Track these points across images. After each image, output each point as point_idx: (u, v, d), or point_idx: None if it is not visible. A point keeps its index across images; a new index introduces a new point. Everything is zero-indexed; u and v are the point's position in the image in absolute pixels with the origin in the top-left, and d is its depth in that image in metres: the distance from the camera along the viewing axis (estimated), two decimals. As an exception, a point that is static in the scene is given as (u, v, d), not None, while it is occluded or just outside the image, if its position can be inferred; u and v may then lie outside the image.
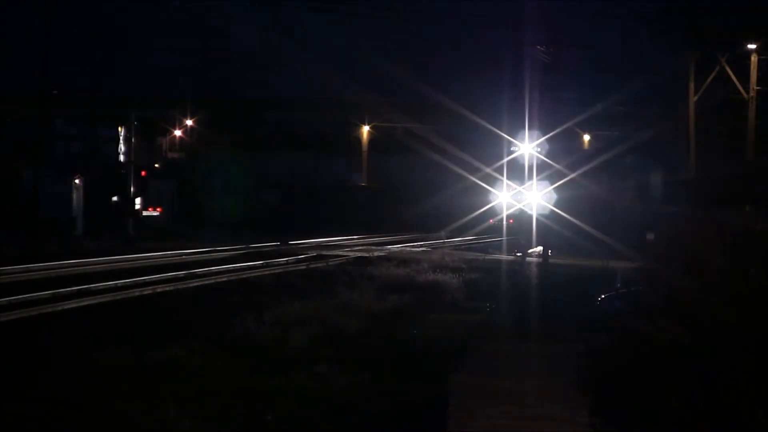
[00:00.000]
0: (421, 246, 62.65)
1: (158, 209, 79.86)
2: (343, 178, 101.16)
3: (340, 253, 54.56)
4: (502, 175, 44.64)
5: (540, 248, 42.71)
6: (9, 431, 16.89)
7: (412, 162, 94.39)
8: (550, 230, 40.53)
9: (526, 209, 40.78)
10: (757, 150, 57.54)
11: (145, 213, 73.69)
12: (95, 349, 22.89)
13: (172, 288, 36.44)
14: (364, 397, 19.29)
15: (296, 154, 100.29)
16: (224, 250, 54.21)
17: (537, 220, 40.18)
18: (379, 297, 33.24)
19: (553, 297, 33.27)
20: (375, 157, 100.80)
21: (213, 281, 39.59)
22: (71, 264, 43.77)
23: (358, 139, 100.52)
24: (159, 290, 35.66)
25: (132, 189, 65.09)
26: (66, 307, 30.65)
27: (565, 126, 42.33)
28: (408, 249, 59.20)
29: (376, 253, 53.51)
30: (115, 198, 69.28)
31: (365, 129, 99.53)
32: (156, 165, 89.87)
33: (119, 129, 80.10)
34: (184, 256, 50.59)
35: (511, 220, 44.61)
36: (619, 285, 35.61)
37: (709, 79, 59.13)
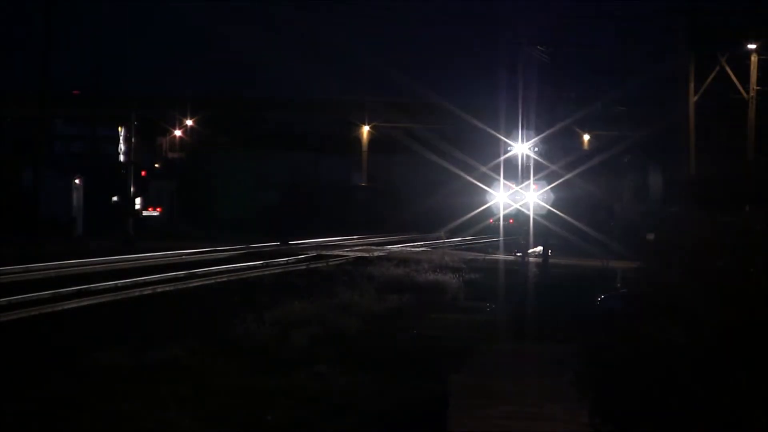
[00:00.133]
0: (421, 246, 62.65)
1: (158, 209, 79.88)
2: (343, 178, 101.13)
3: (340, 253, 54.57)
4: (499, 174, 44.68)
5: (540, 248, 42.74)
6: (9, 431, 16.90)
7: (412, 162, 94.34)
8: (548, 230, 40.53)
9: (523, 209, 40.80)
10: (757, 150, 57.53)
11: (145, 213, 73.70)
12: (95, 349, 22.90)
13: (172, 288, 36.46)
14: (364, 397, 19.29)
15: (296, 154, 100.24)
16: (224, 250, 54.22)
17: (535, 220, 40.19)
18: (379, 297, 33.26)
19: (553, 297, 33.27)
20: (375, 157, 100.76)
21: (213, 281, 39.59)
22: (71, 264, 43.77)
23: (358, 139, 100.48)
24: (159, 290, 35.68)
25: (132, 189, 65.10)
26: (66, 307, 30.66)
27: (559, 126, 42.38)
28: (408, 249, 59.20)
29: (376, 253, 53.52)
30: (115, 198, 69.28)
31: (365, 129, 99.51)
32: (156, 165, 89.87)
33: (119, 129, 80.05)
34: (184, 256, 50.59)
35: (511, 220, 44.59)
36: (618, 285, 35.59)
37: (709, 79, 59.12)
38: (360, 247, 59.99)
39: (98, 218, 69.07)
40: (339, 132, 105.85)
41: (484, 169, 55.97)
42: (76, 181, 70.38)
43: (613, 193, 66.67)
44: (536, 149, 41.95)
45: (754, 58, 58.40)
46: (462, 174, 65.16)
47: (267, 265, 46.66)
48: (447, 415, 17.04)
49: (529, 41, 42.41)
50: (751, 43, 58.38)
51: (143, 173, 68.44)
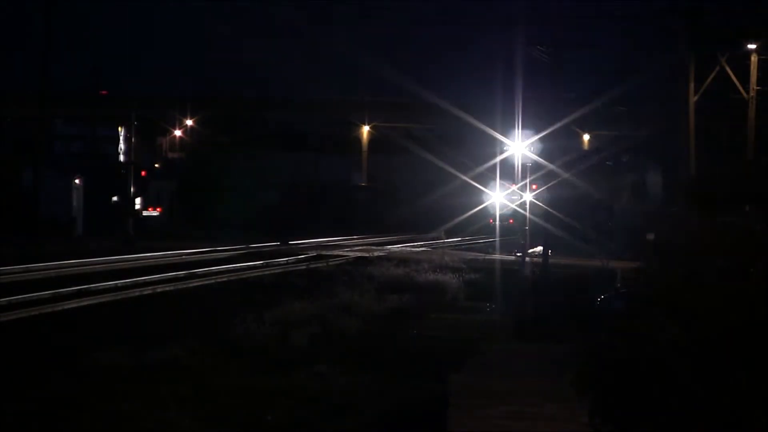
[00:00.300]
0: (421, 246, 62.66)
1: (158, 209, 79.88)
2: (343, 178, 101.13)
3: (340, 253, 54.57)
4: (499, 175, 44.68)
5: (539, 248, 42.72)
6: (10, 431, 16.90)
7: (412, 162, 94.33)
8: (546, 231, 40.52)
9: (520, 209, 40.80)
10: (757, 150, 57.51)
11: (145, 213, 73.71)
12: (95, 349, 22.90)
13: (172, 288, 36.46)
14: (364, 397, 19.29)
15: (296, 154, 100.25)
16: (224, 250, 54.22)
17: (534, 220, 40.19)
18: (379, 297, 33.26)
19: (553, 297, 33.26)
20: (375, 157, 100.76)
21: (213, 281, 39.60)
22: (71, 264, 43.76)
23: (358, 139, 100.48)
24: (159, 290, 35.68)
25: (132, 189, 65.10)
26: (66, 307, 30.67)
27: (558, 125, 42.31)
28: (408, 249, 59.21)
29: (375, 253, 53.53)
30: (115, 198, 69.29)
31: (365, 129, 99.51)
32: (156, 165, 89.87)
33: (119, 129, 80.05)
34: (184, 256, 50.59)
35: (511, 220, 44.62)
36: (618, 285, 35.57)
37: (709, 79, 59.11)
38: (360, 247, 60.00)
39: (98, 218, 69.07)
40: (339, 132, 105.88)
41: (480, 168, 56.01)
42: (76, 181, 70.39)
43: (612, 193, 66.63)
44: (532, 149, 41.90)
45: (754, 58, 58.38)
46: (461, 174, 65.20)
47: (267, 265, 46.66)
48: (447, 415, 17.04)
49: (529, 41, 42.36)
50: (751, 43, 58.36)
51: (143, 173, 68.44)
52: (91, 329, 26.44)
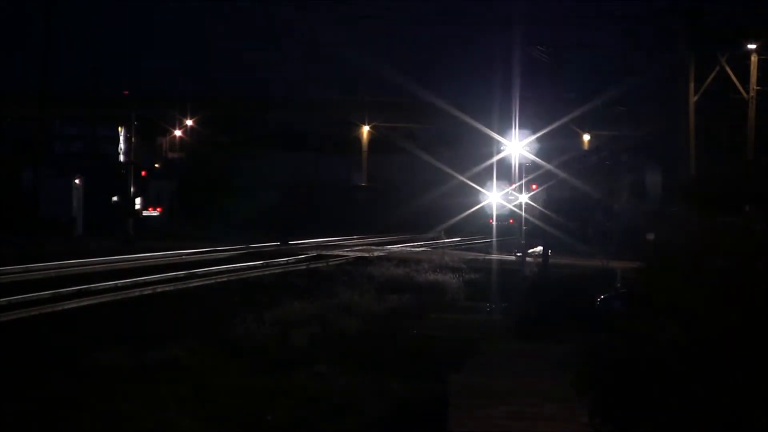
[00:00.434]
0: (421, 246, 62.68)
1: (158, 209, 79.91)
2: (343, 178, 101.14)
3: (340, 253, 54.58)
4: (499, 175, 44.66)
5: (539, 248, 42.72)
6: (10, 431, 16.90)
7: (412, 162, 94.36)
8: (545, 231, 40.52)
9: (516, 210, 40.79)
10: (757, 150, 57.52)
11: (145, 213, 73.73)
12: (95, 349, 22.91)
13: (172, 288, 36.47)
14: (364, 397, 19.28)
15: (296, 154, 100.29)
16: (224, 250, 54.23)
17: (533, 220, 40.19)
18: (380, 297, 33.26)
19: (553, 297, 33.23)
20: (375, 157, 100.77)
21: (213, 281, 39.60)
22: (71, 264, 43.77)
23: (358, 139, 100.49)
24: (159, 290, 35.69)
25: (132, 189, 65.11)
26: (66, 307, 30.67)
27: (556, 125, 42.34)
28: (408, 249, 59.23)
29: (375, 253, 53.54)
30: (115, 198, 69.31)
31: (365, 129, 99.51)
32: (156, 165, 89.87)
33: (119, 129, 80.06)
34: (184, 256, 50.61)
35: (511, 220, 44.65)
36: (618, 285, 35.56)
37: (709, 79, 59.13)
38: (360, 247, 60.01)
39: (98, 218, 69.08)
40: (339, 132, 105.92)
41: (479, 169, 55.98)
42: (76, 181, 70.38)
43: (611, 193, 66.64)
44: (530, 149, 41.89)
45: (754, 58, 58.39)
46: (461, 174, 65.19)
47: (267, 265, 46.67)
48: (447, 415, 17.04)
49: (529, 41, 42.41)
50: (751, 43, 58.37)
51: (143, 173, 68.47)
52: (91, 329, 26.44)
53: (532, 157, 41.97)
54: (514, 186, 41.32)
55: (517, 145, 41.36)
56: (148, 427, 17.06)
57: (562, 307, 30.99)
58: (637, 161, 72.07)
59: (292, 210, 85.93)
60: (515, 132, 41.23)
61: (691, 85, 58.96)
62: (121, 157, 73.99)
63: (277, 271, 44.48)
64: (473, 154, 65.57)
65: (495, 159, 44.57)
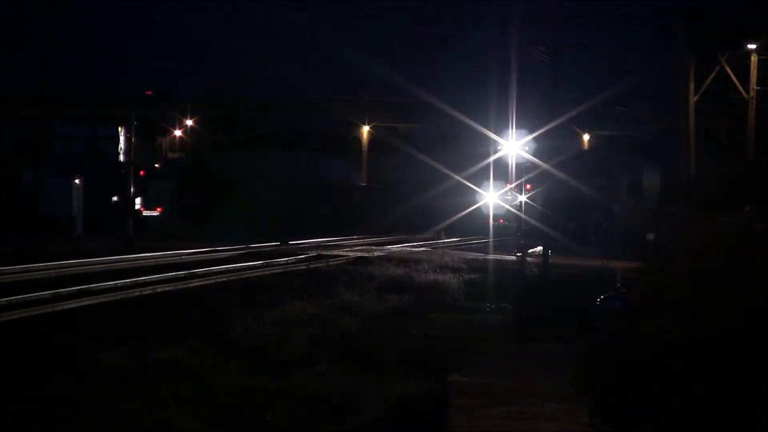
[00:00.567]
0: (421, 246, 62.66)
1: (158, 209, 79.93)
2: (343, 178, 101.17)
3: (340, 253, 54.58)
4: (497, 175, 44.72)
5: (539, 248, 42.73)
6: (9, 431, 16.90)
7: (412, 162, 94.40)
8: (543, 231, 40.56)
9: (516, 210, 40.83)
10: (757, 150, 57.56)
11: (145, 213, 73.76)
12: (95, 349, 22.91)
13: (172, 288, 36.47)
14: (364, 397, 19.28)
15: (296, 154, 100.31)
16: (224, 250, 54.22)
17: (532, 221, 40.23)
18: (380, 297, 33.27)
19: (553, 297, 33.25)
20: (375, 157, 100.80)
21: (213, 281, 39.60)
22: (71, 264, 43.78)
23: (358, 139, 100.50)
24: (159, 290, 35.69)
25: (132, 189, 65.11)
26: (66, 307, 30.67)
27: (554, 124, 42.29)
28: (408, 249, 59.22)
29: (375, 253, 53.53)
30: (115, 198, 69.34)
31: (365, 129, 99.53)
32: (156, 165, 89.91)
33: (119, 129, 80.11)
34: (184, 256, 50.61)
35: (501, 220, 44.76)
36: (618, 285, 35.57)
37: (709, 79, 59.16)
38: (360, 247, 60.02)
39: (98, 218, 69.10)
40: (339, 132, 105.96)
41: (476, 169, 56.03)
42: (76, 181, 70.39)
43: (611, 193, 66.64)
44: (529, 149, 41.93)
45: (754, 58, 58.43)
46: (462, 174, 65.20)
47: (267, 265, 46.67)
48: (447, 415, 17.03)
49: (529, 41, 42.37)
50: (751, 43, 58.41)
51: (143, 173, 68.48)
52: (91, 329, 26.44)
53: (531, 158, 42.00)
54: (512, 186, 41.35)
55: (514, 145, 41.39)
56: (148, 427, 17.06)
57: (562, 307, 31.00)
58: (637, 161, 72.08)
59: (292, 210, 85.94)
60: (511, 132, 41.26)
61: (691, 85, 59.00)
62: (121, 157, 74.02)
63: (277, 271, 44.48)
64: (472, 154, 65.58)
65: (491, 159, 44.64)
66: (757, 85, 58.20)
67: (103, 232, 64.17)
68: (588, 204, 59.94)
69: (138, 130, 69.96)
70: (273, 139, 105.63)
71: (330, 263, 47.77)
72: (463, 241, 68.36)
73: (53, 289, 33.15)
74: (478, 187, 55.59)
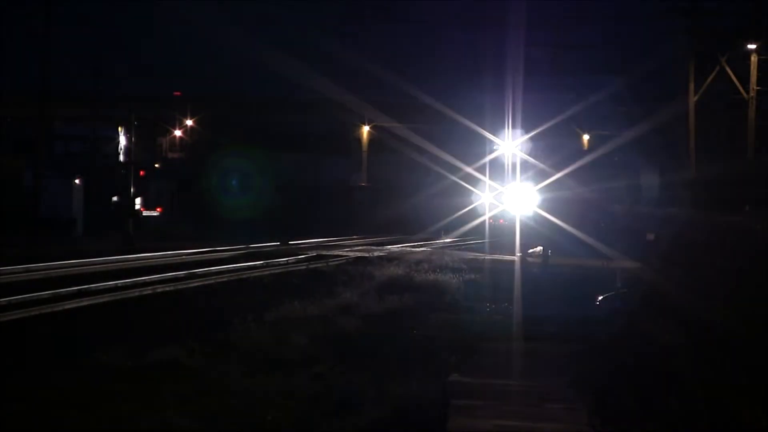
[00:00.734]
0: (421, 246, 62.67)
1: (158, 209, 79.96)
2: (343, 178, 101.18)
3: (340, 253, 54.59)
4: (496, 175, 44.76)
5: (540, 248, 42.76)
6: (9, 431, 16.90)
7: (412, 162, 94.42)
8: (542, 232, 40.60)
9: (514, 210, 40.86)
10: (757, 150, 57.57)
11: (145, 213, 73.78)
12: (95, 349, 22.89)
13: (172, 288, 36.46)
14: (364, 398, 19.27)
15: (296, 154, 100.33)
16: (224, 250, 54.24)
17: (531, 221, 40.27)
18: (380, 297, 33.25)
19: (554, 297, 33.27)
20: (375, 157, 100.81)
21: (213, 281, 39.59)
22: (71, 264, 43.78)
23: (358, 139, 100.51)
24: (159, 290, 35.68)
25: (132, 189, 65.14)
26: (66, 307, 30.66)
27: (553, 122, 42.37)
28: (408, 249, 59.23)
29: (375, 253, 53.55)
30: (115, 198, 69.37)
31: (365, 129, 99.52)
32: (156, 165, 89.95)
33: (119, 129, 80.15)
34: (184, 257, 50.62)
35: (501, 220, 44.79)
36: (619, 285, 35.61)
37: (709, 79, 59.16)
38: (360, 247, 60.03)
39: (98, 218, 69.14)
40: (339, 132, 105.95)
41: (467, 169, 56.05)
42: (76, 181, 70.42)
43: (610, 193, 66.62)
44: (527, 149, 42.02)
45: (754, 58, 58.41)
46: (462, 174, 65.20)
47: (267, 265, 46.68)
48: (447, 415, 17.04)
49: (529, 41, 42.42)
50: (751, 43, 58.40)
51: (143, 173, 68.56)
52: (91, 329, 26.43)
53: (529, 158, 42.04)
54: (511, 186, 41.37)
55: (512, 145, 41.44)
56: (147, 426, 17.06)
57: (562, 307, 31.02)
58: (635, 161, 72.04)
59: (292, 210, 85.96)
60: (508, 132, 41.33)
61: (691, 85, 59.02)
62: (121, 157, 74.07)
63: (277, 271, 44.48)
64: (471, 154, 65.57)
65: (487, 159, 44.70)
66: (757, 85, 58.18)
67: (104, 232, 64.20)
68: (588, 204, 59.94)
69: (138, 130, 70.00)
70: (273, 139, 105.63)
71: (330, 263, 47.78)
72: (464, 240, 68.37)
73: (53, 290, 33.15)
74: (478, 188, 55.61)
